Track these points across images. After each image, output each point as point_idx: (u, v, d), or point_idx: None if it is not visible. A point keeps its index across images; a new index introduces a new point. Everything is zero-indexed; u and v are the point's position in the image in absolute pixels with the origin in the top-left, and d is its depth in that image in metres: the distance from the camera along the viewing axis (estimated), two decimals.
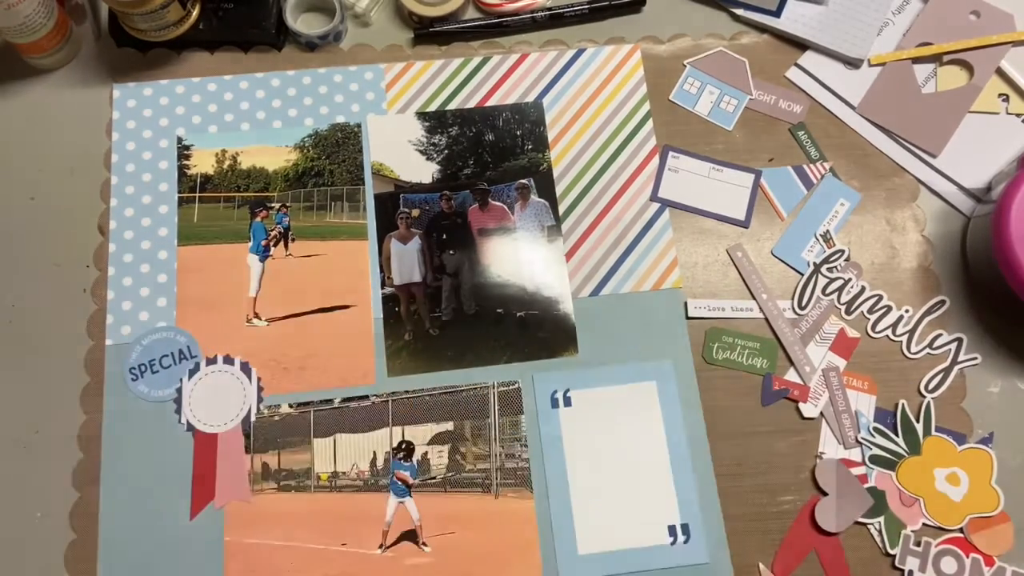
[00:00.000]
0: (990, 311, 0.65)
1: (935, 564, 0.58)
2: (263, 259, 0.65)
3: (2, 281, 0.64)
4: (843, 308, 0.64)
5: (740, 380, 0.63)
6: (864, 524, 0.59)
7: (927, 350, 0.64)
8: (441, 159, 0.68)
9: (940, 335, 0.64)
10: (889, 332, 0.64)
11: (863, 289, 0.65)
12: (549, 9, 0.71)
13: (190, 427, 0.61)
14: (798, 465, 0.61)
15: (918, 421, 0.61)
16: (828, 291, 0.65)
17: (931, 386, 0.63)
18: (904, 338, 0.64)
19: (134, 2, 0.64)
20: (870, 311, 0.64)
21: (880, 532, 0.59)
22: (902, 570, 0.58)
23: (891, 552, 0.58)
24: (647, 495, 0.60)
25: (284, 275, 0.65)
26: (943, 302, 0.65)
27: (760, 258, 0.66)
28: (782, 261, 0.66)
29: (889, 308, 0.64)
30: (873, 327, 0.64)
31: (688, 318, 0.64)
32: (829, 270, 0.65)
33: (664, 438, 0.61)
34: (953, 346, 0.64)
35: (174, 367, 0.62)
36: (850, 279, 0.65)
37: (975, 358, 0.63)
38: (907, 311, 0.64)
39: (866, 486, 0.60)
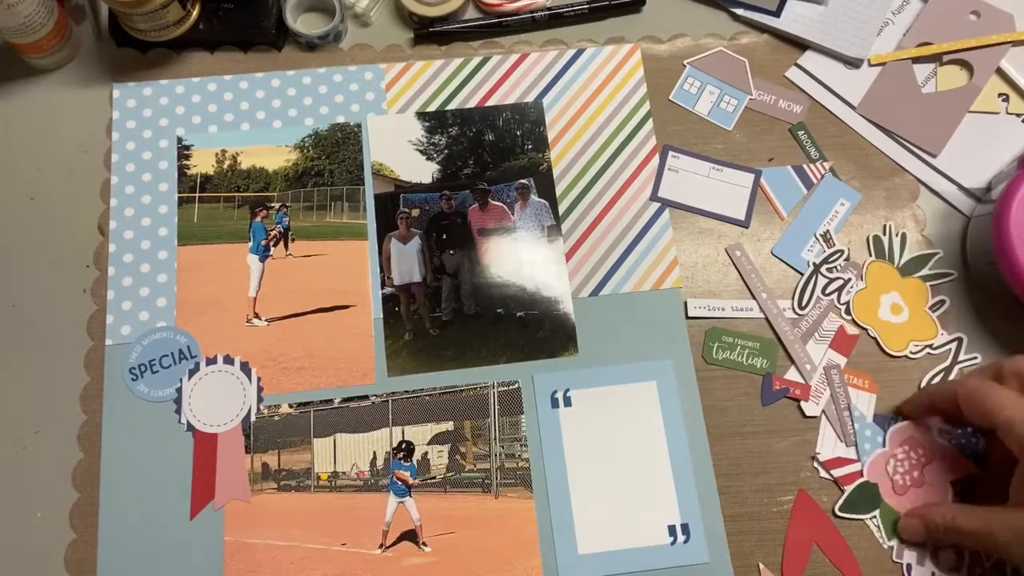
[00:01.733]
0: (990, 311, 0.65)
1: (934, 557, 0.58)
2: (263, 259, 0.65)
3: (2, 281, 0.64)
4: (843, 308, 0.64)
5: (740, 380, 0.63)
6: (861, 519, 0.59)
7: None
8: (441, 159, 0.68)
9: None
10: None
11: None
12: (549, 9, 0.71)
13: (190, 427, 0.61)
14: (798, 465, 0.61)
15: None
16: (828, 291, 0.65)
17: None
18: None
19: (134, 2, 0.64)
20: None
21: (878, 526, 0.59)
22: (900, 564, 0.58)
23: (889, 544, 0.58)
24: (647, 495, 0.60)
25: (284, 275, 0.65)
26: (943, 302, 0.65)
27: (760, 258, 0.66)
28: (782, 261, 0.66)
29: None
30: None
31: (688, 318, 0.64)
32: (829, 270, 0.65)
33: (664, 438, 0.61)
34: (953, 346, 0.64)
35: (174, 367, 0.62)
36: (850, 279, 0.65)
37: (975, 358, 0.63)
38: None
39: (859, 482, 0.60)
